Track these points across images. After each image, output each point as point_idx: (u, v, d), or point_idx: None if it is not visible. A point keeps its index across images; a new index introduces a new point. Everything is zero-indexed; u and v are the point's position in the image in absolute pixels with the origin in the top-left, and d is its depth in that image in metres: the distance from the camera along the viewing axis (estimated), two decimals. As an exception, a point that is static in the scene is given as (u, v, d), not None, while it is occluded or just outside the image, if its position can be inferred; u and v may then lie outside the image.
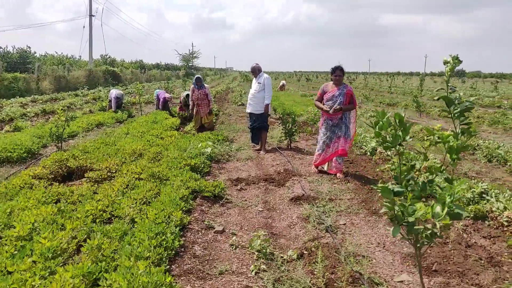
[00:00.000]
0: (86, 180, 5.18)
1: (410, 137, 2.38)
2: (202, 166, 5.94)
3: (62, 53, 38.23)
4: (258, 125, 7.57)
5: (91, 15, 33.47)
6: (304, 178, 5.78)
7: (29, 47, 36.43)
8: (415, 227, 2.03)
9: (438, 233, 1.88)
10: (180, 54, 61.64)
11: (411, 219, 1.84)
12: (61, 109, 7.33)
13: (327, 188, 5.23)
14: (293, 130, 7.64)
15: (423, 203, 1.99)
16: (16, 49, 29.87)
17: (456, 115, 2.35)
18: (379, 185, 2.25)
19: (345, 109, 5.70)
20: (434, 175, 2.31)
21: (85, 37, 34.61)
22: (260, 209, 4.52)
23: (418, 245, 2.15)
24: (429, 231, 1.96)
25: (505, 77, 64.90)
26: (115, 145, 7.35)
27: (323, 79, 60.43)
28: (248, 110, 7.74)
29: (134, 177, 5.18)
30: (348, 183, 5.46)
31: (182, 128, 9.96)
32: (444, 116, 14.27)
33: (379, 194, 5.07)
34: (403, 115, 2.32)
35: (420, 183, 2.25)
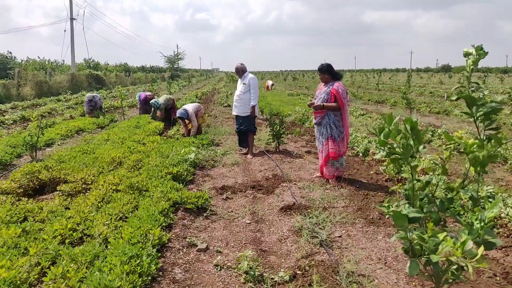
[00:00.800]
0: (58, 194, 4.76)
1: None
2: (185, 174, 5.56)
3: (44, 57, 37.36)
4: (245, 128, 7.23)
5: (72, 19, 32.71)
6: (294, 184, 5.45)
7: (10, 53, 35.61)
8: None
9: (466, 269, 1.53)
10: (165, 56, 60.96)
11: (434, 258, 1.49)
12: (35, 117, 6.86)
13: (319, 195, 4.90)
14: (281, 132, 7.30)
15: (445, 232, 1.63)
16: (-5, 55, 29.07)
17: (480, 118, 1.99)
18: (392, 209, 1.89)
19: (326, 107, 5.39)
20: (455, 193, 1.97)
21: (67, 41, 33.82)
22: (248, 221, 4.16)
23: (441, 284, 1.79)
24: (455, 266, 1.61)
25: (490, 71, 65.61)
26: (94, 153, 6.92)
27: (309, 78, 60.32)
28: (234, 113, 7.39)
29: (111, 188, 4.77)
30: (342, 189, 5.14)
31: (166, 133, 9.54)
32: (434, 112, 14.11)
33: (376, 200, 4.79)
34: (415, 119, 1.97)
35: (438, 203, 1.89)
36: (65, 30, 34.32)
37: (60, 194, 4.71)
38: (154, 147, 7.41)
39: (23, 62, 32.88)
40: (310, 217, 4.10)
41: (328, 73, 5.40)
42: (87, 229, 3.65)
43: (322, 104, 5.44)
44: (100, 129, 11.09)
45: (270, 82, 28.37)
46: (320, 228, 3.87)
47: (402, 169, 5.59)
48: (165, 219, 3.87)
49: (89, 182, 5.07)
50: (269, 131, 7.59)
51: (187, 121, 8.74)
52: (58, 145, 8.55)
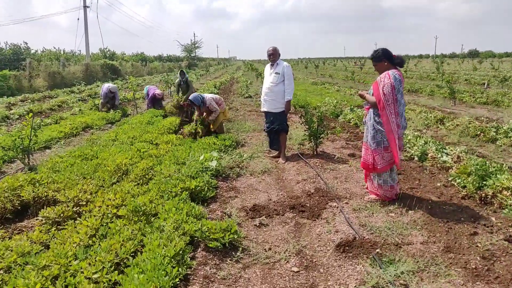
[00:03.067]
0: (40, 221, 3.65)
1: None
2: (206, 189, 4.40)
3: (59, 47, 36.75)
4: (277, 127, 6.01)
5: (85, 6, 31.76)
6: (346, 203, 4.22)
7: (26, 43, 35.11)
8: None
9: None
10: (182, 45, 59.94)
11: None
12: (29, 115, 5.79)
13: (383, 222, 3.67)
14: (321, 132, 6.04)
15: None
16: (9, 45, 28.50)
17: None
18: None
19: (366, 99, 4.20)
20: None
21: (81, 31, 32.96)
22: (295, 268, 2.97)
23: None
24: None
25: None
26: (97, 157, 5.83)
27: (329, 66, 58.35)
28: (263, 109, 6.15)
29: (110, 212, 3.65)
30: (411, 211, 3.89)
31: (181, 129, 8.38)
32: (481, 103, 12.56)
33: (466, 233, 3.53)
34: None
35: None
36: (78, 19, 33.48)
37: (43, 221, 3.60)
38: (168, 150, 6.28)
39: (37, 52, 32.21)
40: (382, 267, 2.86)
41: (386, 59, 4.08)
42: None
43: (365, 93, 4.23)
44: (110, 124, 10.04)
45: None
46: (401, 286, 2.65)
47: (485, 183, 4.32)
48: (179, 268, 2.71)
49: (84, 202, 3.95)
50: (304, 129, 6.35)
51: (203, 111, 7.57)
52: (61, 146, 7.51)
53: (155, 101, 10.91)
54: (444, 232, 3.41)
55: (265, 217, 3.90)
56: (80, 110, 12.14)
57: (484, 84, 19.14)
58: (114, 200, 3.88)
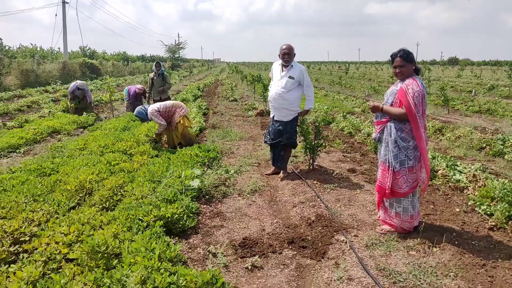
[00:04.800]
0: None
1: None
2: (185, 217, 3.60)
3: (35, 44, 35.19)
4: (287, 141, 5.13)
5: (64, 2, 30.41)
6: (355, 235, 3.49)
7: (0, 39, 33.43)
8: None
9: None
10: (165, 45, 58.72)
11: None
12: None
13: (405, 265, 2.95)
14: (319, 144, 5.31)
15: None
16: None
17: None
18: None
19: (386, 111, 3.42)
20: None
21: (59, 27, 31.57)
22: None
23: None
24: None
25: (500, 64, 63.09)
26: (57, 171, 4.97)
27: (314, 70, 57.96)
28: (275, 118, 5.25)
29: (59, 253, 2.83)
30: (434, 248, 3.19)
31: (162, 138, 7.52)
32: (474, 111, 12.09)
33: (509, 280, 2.81)
34: None
35: None
36: (56, 15, 32.07)
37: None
38: (144, 163, 5.45)
39: (11, 49, 30.68)
40: None
41: (410, 63, 3.38)
42: None
43: (381, 105, 3.48)
44: (82, 129, 9.10)
45: None
46: None
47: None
48: None
49: (27, 238, 3.11)
50: (299, 140, 5.62)
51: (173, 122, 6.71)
52: (19, 154, 6.58)
53: (138, 98, 9.96)
54: (486, 283, 2.71)
55: (259, 256, 3.13)
56: (50, 112, 11.14)
57: (472, 91, 18.86)
58: (67, 235, 3.05)
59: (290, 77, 5.02)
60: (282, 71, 5.13)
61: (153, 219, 3.42)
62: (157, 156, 5.96)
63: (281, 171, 5.33)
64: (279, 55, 5.13)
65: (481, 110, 12.11)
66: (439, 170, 5.18)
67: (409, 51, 3.36)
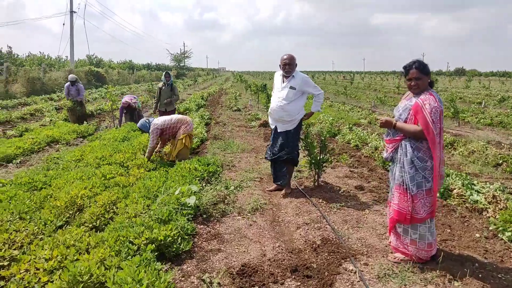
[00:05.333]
0: None
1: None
2: (179, 240, 3.33)
3: (43, 52, 35.37)
4: (286, 157, 4.82)
5: (72, 12, 30.57)
6: (365, 264, 3.19)
7: (10, 47, 33.58)
8: None
9: None
10: (171, 54, 58.93)
11: None
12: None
13: (422, 301, 2.65)
14: (325, 160, 5.03)
15: None
16: (-11, 49, 27.09)
17: None
18: None
19: (400, 128, 3.12)
20: None
21: (67, 36, 31.71)
22: None
23: None
24: None
25: (509, 75, 62.45)
26: (50, 185, 4.73)
27: (318, 79, 57.73)
28: (273, 127, 5.03)
29: (38, 282, 2.57)
30: (456, 283, 2.89)
31: (160, 149, 7.27)
32: (485, 124, 11.74)
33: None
34: None
35: None
36: (63, 24, 32.21)
37: None
38: (140, 176, 5.20)
39: (19, 57, 30.81)
40: None
41: (426, 75, 3.10)
42: None
43: (394, 121, 3.19)
44: (81, 139, 8.90)
45: None
46: None
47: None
48: None
49: (6, 263, 2.85)
50: (304, 155, 5.35)
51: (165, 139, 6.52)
52: (15, 165, 6.36)
53: (131, 110, 9.71)
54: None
55: (258, 286, 2.84)
56: (51, 120, 10.97)
57: (481, 103, 18.51)
58: (49, 259, 2.79)
59: (291, 87, 4.75)
60: (283, 82, 4.86)
61: (145, 242, 3.15)
62: (154, 169, 5.71)
63: (284, 188, 5.05)
64: (280, 66, 4.88)
65: (493, 123, 11.76)
66: (454, 189, 4.87)
67: (425, 63, 3.09)
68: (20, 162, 6.54)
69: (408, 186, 3.06)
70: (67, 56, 35.55)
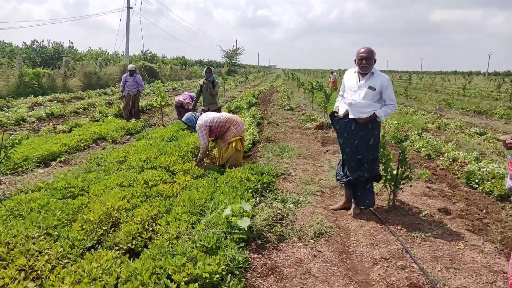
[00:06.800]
0: None
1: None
2: (228, 279, 2.65)
3: (100, 48, 36.63)
4: (368, 175, 4.03)
5: (128, 7, 31.22)
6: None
7: (71, 42, 35.11)
8: None
9: None
10: (223, 50, 59.25)
11: None
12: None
13: None
14: (406, 176, 4.14)
15: None
16: (51, 44, 28.30)
17: None
18: None
19: None
20: None
21: (123, 31, 32.49)
22: None
23: None
24: None
25: None
26: (87, 192, 4.26)
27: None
28: (344, 124, 4.12)
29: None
30: None
31: (211, 151, 6.68)
32: None
33: None
34: None
35: None
36: (120, 19, 33.05)
37: None
38: (185, 185, 4.61)
39: (78, 51, 32.05)
40: None
41: None
42: None
43: None
44: (128, 136, 8.58)
45: (334, 75, 24.61)
46: None
47: None
48: None
49: (18, 299, 2.32)
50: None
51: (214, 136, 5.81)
52: (58, 164, 6.05)
53: (180, 110, 9.30)
54: None
55: None
56: (101, 115, 10.82)
57: None
58: (67, 300, 2.21)
59: (370, 87, 3.91)
60: (359, 80, 4.02)
61: (186, 279, 2.51)
62: (202, 176, 5.12)
63: (352, 206, 4.24)
64: (355, 61, 4.06)
65: None
66: None
67: None
68: (64, 160, 6.23)
69: None
70: (123, 52, 36.48)
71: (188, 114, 5.73)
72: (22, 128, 9.03)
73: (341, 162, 4.30)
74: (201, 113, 5.83)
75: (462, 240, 3.55)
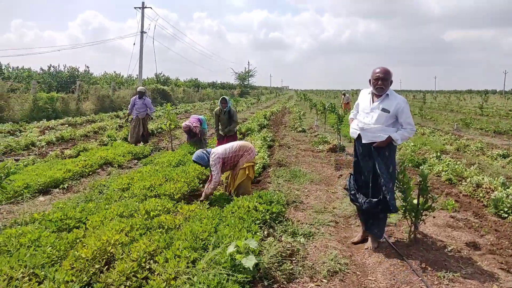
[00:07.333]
0: None
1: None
2: (230, 332, 2.32)
3: (114, 72, 37.24)
4: (383, 206, 3.66)
5: (142, 32, 31.78)
6: None
7: (87, 67, 35.86)
8: None
9: None
10: (236, 73, 59.79)
11: None
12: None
13: None
14: (428, 207, 3.77)
15: None
16: (67, 68, 28.84)
17: None
18: None
19: None
20: None
21: (137, 55, 33.03)
22: None
23: None
24: None
25: None
26: (84, 223, 4.00)
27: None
28: (359, 150, 3.87)
29: None
30: None
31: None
32: None
33: None
34: None
35: None
36: (134, 44, 33.67)
37: None
38: (188, 216, 4.32)
39: (93, 75, 32.59)
40: None
41: None
42: None
43: None
44: (136, 161, 8.37)
45: (347, 96, 24.06)
46: None
47: None
48: None
49: None
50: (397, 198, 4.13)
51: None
52: (60, 192, 5.84)
53: (192, 134, 9.09)
54: None
55: None
56: (109, 138, 10.69)
57: None
58: None
59: (383, 109, 3.62)
60: (373, 101, 3.74)
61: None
62: (210, 203, 4.82)
63: (370, 239, 3.87)
64: (369, 81, 3.78)
65: None
66: None
67: None
68: (66, 187, 6.02)
69: None
70: (137, 75, 37.00)
71: (198, 152, 5.41)
72: (30, 153, 8.92)
73: (351, 189, 3.96)
74: (210, 149, 5.54)
75: (496, 282, 3.15)
